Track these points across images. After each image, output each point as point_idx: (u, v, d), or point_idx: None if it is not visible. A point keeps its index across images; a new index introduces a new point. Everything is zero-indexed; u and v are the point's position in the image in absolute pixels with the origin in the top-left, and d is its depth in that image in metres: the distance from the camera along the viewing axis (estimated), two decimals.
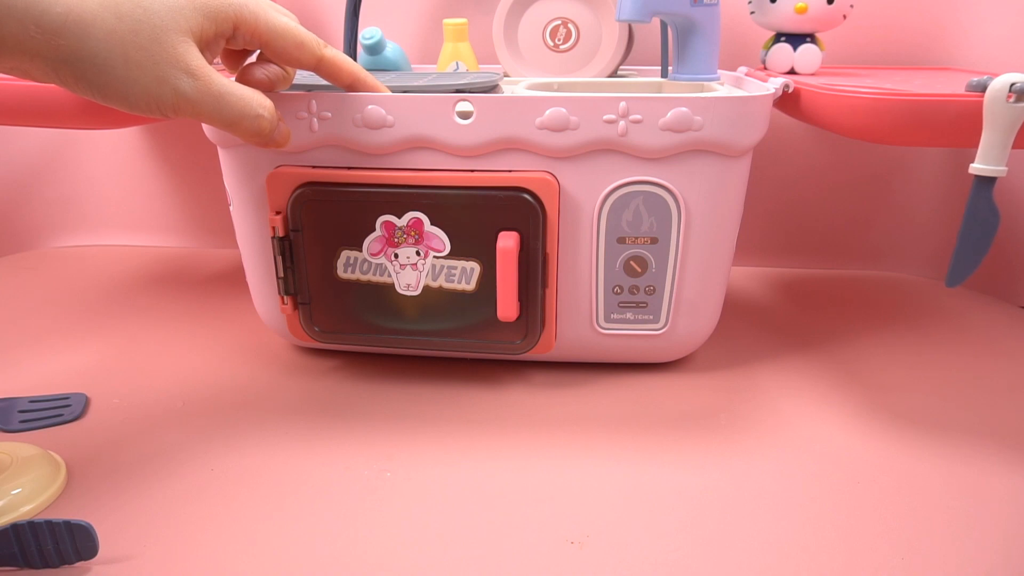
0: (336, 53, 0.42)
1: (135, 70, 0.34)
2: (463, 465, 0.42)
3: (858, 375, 0.53)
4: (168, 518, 0.37)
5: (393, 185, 0.45)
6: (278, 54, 0.40)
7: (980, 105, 0.40)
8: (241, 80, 0.41)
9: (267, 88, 0.42)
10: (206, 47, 0.37)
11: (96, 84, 0.34)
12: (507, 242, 0.44)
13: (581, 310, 0.49)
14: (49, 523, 0.33)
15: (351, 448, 0.43)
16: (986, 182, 0.40)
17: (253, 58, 0.42)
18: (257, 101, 0.38)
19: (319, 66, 0.42)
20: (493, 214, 0.45)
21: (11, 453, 0.40)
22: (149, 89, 0.34)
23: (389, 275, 0.47)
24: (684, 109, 0.43)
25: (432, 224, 0.46)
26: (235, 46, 0.39)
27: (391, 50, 0.57)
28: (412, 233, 0.46)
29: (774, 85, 0.49)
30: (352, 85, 0.44)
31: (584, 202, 0.46)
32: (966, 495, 0.39)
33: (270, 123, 0.39)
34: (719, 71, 0.53)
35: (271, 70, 0.42)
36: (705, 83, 0.52)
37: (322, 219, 0.46)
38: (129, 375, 0.52)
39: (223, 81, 0.37)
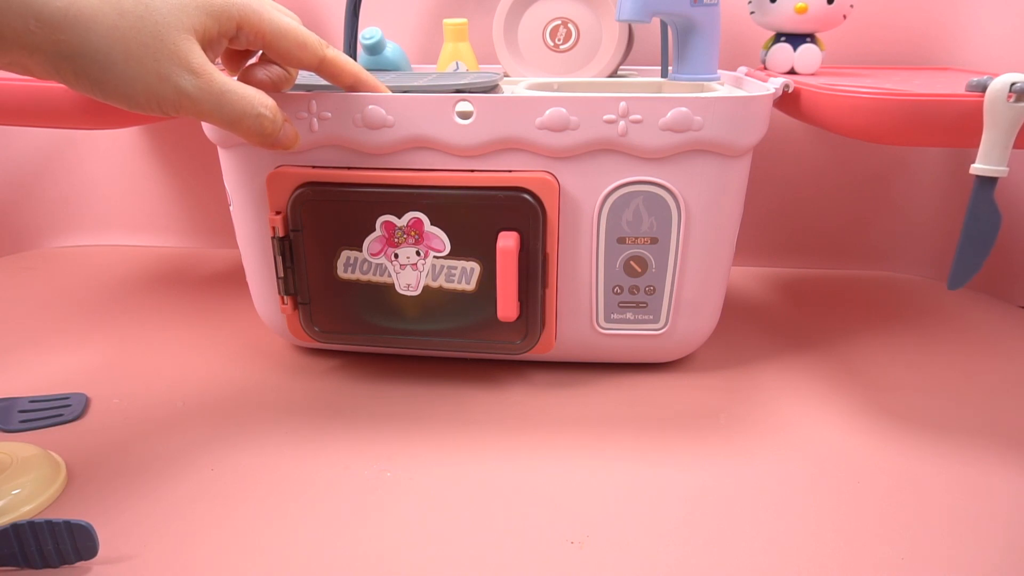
0: (338, 54, 0.42)
1: (136, 67, 0.34)
2: (463, 465, 0.42)
3: (858, 375, 0.53)
4: (168, 518, 0.37)
5: (393, 185, 0.45)
6: (281, 54, 0.40)
7: (980, 105, 0.40)
8: (243, 81, 0.41)
9: (269, 89, 0.41)
10: (208, 46, 0.37)
11: (97, 81, 0.33)
12: (507, 242, 0.44)
13: (581, 310, 0.49)
14: (49, 523, 0.33)
15: (351, 448, 0.43)
16: (987, 182, 0.40)
17: (255, 59, 0.42)
18: (259, 100, 0.38)
19: (321, 66, 0.41)
20: (493, 214, 0.45)
21: (11, 453, 0.40)
22: (150, 86, 0.34)
23: (389, 275, 0.47)
24: (684, 109, 0.43)
25: (432, 224, 0.46)
26: (238, 46, 0.39)
27: (391, 50, 0.57)
28: (412, 233, 0.46)
29: (774, 85, 0.49)
30: (354, 86, 0.44)
31: (584, 202, 0.46)
32: (966, 495, 0.39)
33: (272, 123, 0.39)
34: (719, 71, 0.53)
35: (273, 71, 0.42)
36: (705, 83, 0.52)
37: (322, 219, 0.46)
38: (129, 375, 0.52)
39: (224, 79, 0.37)
